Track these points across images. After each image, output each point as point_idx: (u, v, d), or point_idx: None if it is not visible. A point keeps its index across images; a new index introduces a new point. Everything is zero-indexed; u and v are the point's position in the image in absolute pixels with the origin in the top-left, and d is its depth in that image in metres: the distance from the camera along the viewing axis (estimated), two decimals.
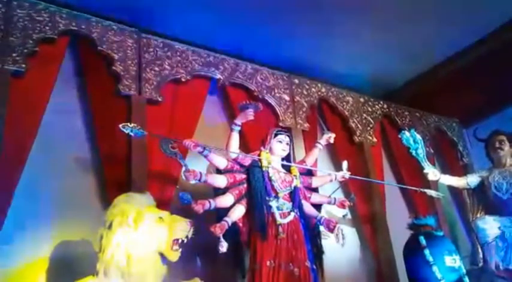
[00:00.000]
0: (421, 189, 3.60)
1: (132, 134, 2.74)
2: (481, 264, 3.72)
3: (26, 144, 2.89)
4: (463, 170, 5.11)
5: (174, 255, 2.46)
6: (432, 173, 3.69)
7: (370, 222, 4.27)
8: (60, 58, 3.23)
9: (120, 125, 2.71)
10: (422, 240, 2.91)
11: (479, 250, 3.77)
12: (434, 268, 2.79)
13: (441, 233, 3.03)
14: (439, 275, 2.78)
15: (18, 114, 2.90)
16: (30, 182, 2.88)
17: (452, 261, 2.84)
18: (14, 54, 2.99)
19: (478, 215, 3.93)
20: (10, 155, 2.79)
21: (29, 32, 3.11)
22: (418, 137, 3.55)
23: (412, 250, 3.00)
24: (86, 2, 3.37)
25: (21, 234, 2.81)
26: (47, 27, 3.18)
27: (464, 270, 2.86)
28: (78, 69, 3.40)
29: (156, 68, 3.57)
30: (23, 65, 3.00)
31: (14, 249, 2.78)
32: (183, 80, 3.67)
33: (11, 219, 2.71)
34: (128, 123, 2.76)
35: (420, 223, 3.08)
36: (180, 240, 2.47)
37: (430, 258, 2.83)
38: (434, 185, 4.25)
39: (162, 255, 2.44)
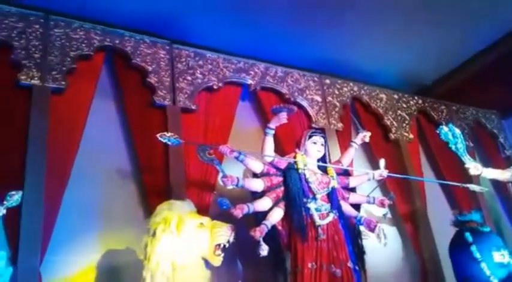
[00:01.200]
0: (463, 184, 3.49)
1: (169, 142, 2.80)
2: None
3: (69, 158, 3.00)
4: (506, 163, 4.94)
5: (217, 260, 2.50)
6: (474, 167, 3.58)
7: (411, 220, 4.19)
8: (97, 73, 3.35)
9: (158, 135, 2.78)
10: (469, 236, 2.85)
11: None
12: (483, 265, 2.73)
13: (488, 229, 2.96)
14: (488, 272, 2.71)
15: (60, 129, 3.02)
16: (75, 195, 2.98)
17: (501, 256, 2.77)
18: (53, 72, 3.12)
19: None
20: (55, 170, 2.90)
21: (67, 50, 3.24)
22: (457, 131, 3.45)
23: (459, 247, 2.94)
24: (119, 17, 3.47)
25: (67, 245, 2.91)
26: (83, 45, 3.30)
27: None
28: (115, 83, 3.50)
29: (189, 77, 3.64)
30: (63, 82, 3.12)
31: (62, 260, 2.88)
32: (215, 87, 3.73)
33: (58, 231, 2.82)
34: (165, 133, 2.82)
35: (465, 219, 3.02)
36: (222, 245, 2.50)
37: (478, 255, 2.77)
38: (476, 179, 4.13)
39: (205, 260, 2.48)
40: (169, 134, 2.81)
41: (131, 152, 3.36)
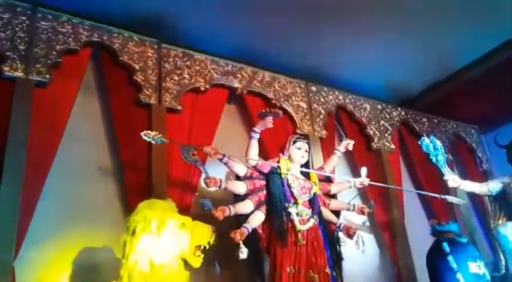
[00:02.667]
0: (442, 196, 3.56)
1: (153, 141, 2.78)
2: (503, 272, 3.67)
3: (49, 153, 2.96)
4: (483, 176, 5.06)
5: (197, 261, 2.48)
6: (452, 179, 3.65)
7: (388, 229, 4.25)
8: (82, 69, 3.31)
9: (142, 133, 2.76)
10: (446, 246, 2.89)
11: (501, 257, 3.72)
12: (459, 275, 2.77)
13: (465, 240, 3.02)
14: None
15: (42, 123, 2.97)
16: (54, 190, 2.94)
17: (477, 267, 2.82)
18: (38, 65, 3.08)
19: (500, 222, 3.88)
20: (34, 164, 2.86)
21: (53, 44, 3.19)
22: (438, 143, 3.52)
23: (436, 257, 2.98)
24: (108, 14, 3.44)
25: (44, 241, 2.87)
26: (70, 39, 3.26)
27: (488, 277, 2.83)
28: (100, 80, 3.47)
29: (176, 78, 3.62)
30: (47, 76, 3.08)
31: (37, 257, 2.83)
32: (202, 88, 3.72)
33: (35, 227, 2.77)
34: (149, 132, 2.80)
35: (443, 229, 3.07)
36: (202, 246, 2.49)
37: (454, 265, 2.81)
38: (453, 191, 4.21)
39: (184, 261, 2.47)
40: (153, 133, 2.79)
41: (114, 150, 3.33)
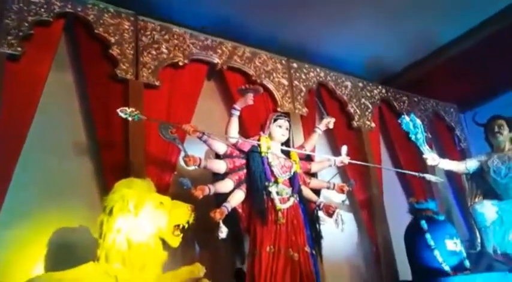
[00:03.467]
0: (421, 174, 3.60)
1: (130, 118, 2.70)
2: (478, 249, 3.76)
3: (22, 128, 2.84)
4: (460, 155, 5.13)
5: (175, 241, 2.45)
6: (431, 158, 3.69)
7: (367, 207, 4.28)
8: (56, 41, 3.16)
9: (118, 110, 2.68)
10: (424, 224, 2.93)
11: (477, 234, 3.80)
12: (436, 252, 2.81)
13: (442, 217, 3.05)
14: (440, 259, 2.80)
15: (14, 98, 2.84)
16: (27, 167, 2.84)
17: (454, 245, 2.86)
18: (9, 38, 2.92)
19: (476, 200, 3.96)
20: (7, 140, 2.75)
21: (24, 15, 3.02)
22: (418, 121, 3.53)
23: (414, 234, 3.02)
24: None
25: (18, 220, 2.78)
26: (43, 10, 3.09)
27: (465, 254, 2.88)
28: (75, 53, 3.33)
29: (154, 52, 3.50)
30: (18, 48, 2.93)
31: (11, 235, 2.75)
32: (180, 64, 3.61)
33: (9, 205, 2.67)
34: (126, 108, 2.72)
35: (421, 207, 3.10)
36: (180, 226, 2.46)
37: (432, 243, 2.85)
38: (432, 169, 4.26)
39: (163, 240, 2.43)
40: (130, 110, 2.71)
41: (89, 126, 3.22)
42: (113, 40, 3.33)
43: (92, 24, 3.29)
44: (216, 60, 3.83)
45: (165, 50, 3.56)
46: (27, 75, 2.95)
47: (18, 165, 2.76)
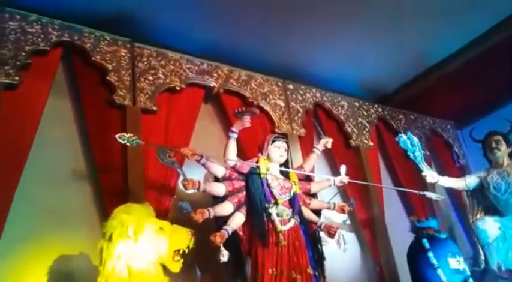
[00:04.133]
0: (421, 192, 3.59)
1: (128, 144, 2.70)
2: (483, 266, 3.71)
3: (21, 156, 2.84)
4: (460, 172, 5.11)
5: (176, 266, 2.43)
6: (430, 175, 3.69)
7: (369, 227, 4.25)
8: (53, 70, 3.19)
9: (116, 135, 2.68)
10: (426, 243, 2.90)
11: (481, 252, 3.76)
12: (439, 271, 2.79)
13: (444, 235, 3.03)
14: (444, 278, 2.77)
15: (12, 127, 2.86)
16: (26, 195, 2.83)
17: (457, 263, 2.84)
18: (6, 67, 2.95)
19: (478, 216, 3.93)
20: (5, 169, 2.74)
21: (22, 44, 3.07)
22: (415, 139, 3.55)
23: (416, 253, 2.99)
24: (78, 13, 3.33)
25: (17, 248, 2.75)
26: (40, 39, 3.14)
27: (468, 272, 2.85)
28: (72, 81, 3.36)
29: (150, 78, 3.54)
30: (16, 78, 2.96)
31: (10, 265, 2.71)
32: (177, 88, 3.64)
33: (8, 233, 2.65)
34: (124, 133, 2.72)
35: (423, 226, 3.08)
36: (181, 251, 2.43)
37: (435, 261, 2.82)
38: (432, 187, 4.25)
39: (163, 266, 2.40)
40: (128, 135, 2.71)
41: (88, 153, 3.22)
42: (110, 67, 3.37)
43: (88, 52, 3.33)
44: (213, 83, 3.87)
45: (161, 76, 3.60)
46: (25, 104, 2.97)
47: (17, 193, 2.76)
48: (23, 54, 3.05)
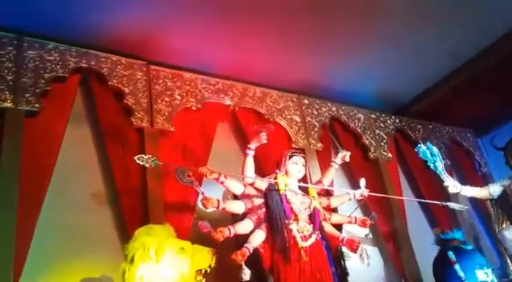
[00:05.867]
0: (444, 203, 3.52)
1: (147, 165, 2.73)
2: (511, 277, 3.62)
3: (43, 182, 2.90)
4: (482, 180, 5.02)
5: None
6: (453, 185, 3.62)
7: (392, 240, 4.18)
8: (72, 95, 3.28)
9: (135, 157, 2.71)
10: (452, 255, 2.85)
11: (508, 262, 3.66)
12: None
13: (470, 247, 2.97)
14: None
15: (34, 152, 2.92)
16: (49, 219, 2.88)
17: (485, 275, 2.77)
18: (27, 95, 3.04)
19: (504, 225, 3.83)
20: (28, 194, 2.80)
21: (40, 72, 3.16)
22: (435, 149, 3.49)
23: (442, 266, 2.93)
24: (95, 39, 3.41)
25: (41, 272, 2.79)
26: (58, 66, 3.23)
27: None
28: (90, 105, 3.43)
29: (167, 99, 3.59)
30: (36, 105, 3.04)
31: None
32: (193, 108, 3.69)
33: (32, 258, 2.70)
34: (143, 155, 2.75)
35: (447, 237, 3.02)
36: (203, 270, 2.43)
37: (462, 274, 2.76)
38: (455, 197, 4.17)
39: None
40: (147, 156, 2.74)
41: (108, 176, 3.27)
42: (127, 90, 3.43)
43: (106, 76, 3.41)
44: (228, 102, 3.90)
45: (177, 96, 3.65)
46: (45, 130, 3.04)
47: (39, 218, 2.80)
48: (43, 81, 3.14)
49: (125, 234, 2.96)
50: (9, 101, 2.96)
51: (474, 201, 4.71)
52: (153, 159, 2.73)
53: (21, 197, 2.76)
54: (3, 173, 2.76)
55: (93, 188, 3.22)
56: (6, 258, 2.58)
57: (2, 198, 2.70)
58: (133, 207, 3.13)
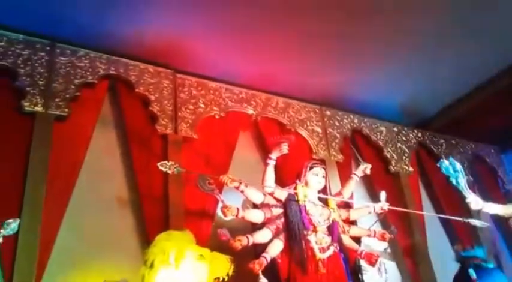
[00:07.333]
0: (465, 219, 3.47)
1: (169, 171, 2.78)
2: None
3: (68, 185, 2.99)
4: (505, 197, 4.92)
5: None
6: (475, 201, 3.55)
7: (411, 255, 4.14)
8: (100, 101, 3.37)
9: (158, 164, 2.77)
10: (473, 273, 2.81)
11: None
12: None
13: (492, 265, 2.92)
14: None
15: (61, 156, 3.02)
16: (73, 222, 2.95)
17: None
18: (57, 100, 3.15)
19: None
20: (53, 197, 2.89)
21: (71, 78, 3.27)
22: (458, 165, 3.44)
23: None
24: (124, 47, 3.51)
25: (64, 275, 2.86)
26: (88, 73, 3.34)
27: None
28: (117, 111, 3.52)
29: (191, 107, 3.66)
30: (66, 110, 3.14)
31: None
32: (217, 117, 3.75)
33: (54, 260, 2.78)
34: (166, 162, 2.81)
35: (468, 255, 2.97)
36: (220, 278, 2.46)
37: None
38: (476, 214, 4.10)
39: None
40: (169, 163, 2.80)
41: (131, 181, 3.34)
42: (153, 98, 3.52)
43: (133, 84, 3.50)
44: (251, 111, 3.95)
45: (202, 105, 3.72)
46: (73, 134, 3.14)
47: (64, 219, 2.88)
48: (72, 87, 3.24)
49: (146, 239, 3.02)
50: (39, 105, 3.07)
51: (496, 219, 4.62)
52: (175, 166, 2.79)
53: (47, 201, 2.84)
54: (32, 175, 2.86)
55: (117, 192, 3.30)
56: (30, 258, 2.66)
57: (29, 202, 2.79)
58: (155, 213, 3.19)
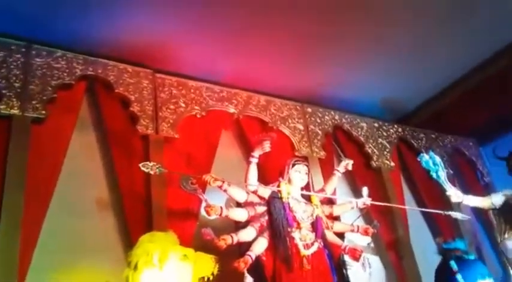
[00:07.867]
0: (446, 212, 3.52)
1: (151, 172, 2.75)
2: None
3: (48, 188, 2.94)
4: (484, 190, 5.02)
5: None
6: (455, 194, 3.62)
7: (394, 249, 4.19)
8: (78, 102, 3.32)
9: (140, 164, 2.74)
10: (454, 265, 2.85)
11: (511, 271, 3.66)
12: None
13: (473, 256, 2.97)
14: None
15: (40, 159, 2.96)
16: (54, 226, 2.90)
17: None
18: (33, 102, 3.09)
19: (506, 235, 3.83)
20: (33, 200, 2.83)
21: (48, 79, 3.21)
22: (438, 159, 3.50)
23: (444, 276, 2.94)
24: (101, 48, 3.46)
25: (45, 277, 2.82)
26: (65, 74, 3.28)
27: None
28: (96, 112, 3.47)
29: (172, 106, 3.63)
30: (43, 112, 3.08)
31: None
32: (198, 116, 3.73)
33: (36, 263, 2.73)
34: (147, 162, 2.78)
35: (450, 247, 3.02)
36: (205, 278, 2.45)
37: None
38: (457, 207, 4.17)
39: None
40: (151, 164, 2.77)
41: (112, 182, 3.30)
42: (132, 98, 3.48)
43: (112, 84, 3.45)
44: (232, 110, 3.94)
45: (182, 104, 3.69)
46: (52, 136, 3.08)
47: (45, 222, 2.84)
48: (49, 88, 3.19)
49: (129, 241, 2.99)
50: (16, 108, 3.01)
51: (476, 211, 4.70)
52: (157, 166, 2.76)
53: (26, 204, 2.79)
54: (10, 179, 2.80)
55: (98, 194, 3.26)
56: (10, 264, 2.61)
57: (8, 205, 2.73)
58: (137, 214, 3.15)
